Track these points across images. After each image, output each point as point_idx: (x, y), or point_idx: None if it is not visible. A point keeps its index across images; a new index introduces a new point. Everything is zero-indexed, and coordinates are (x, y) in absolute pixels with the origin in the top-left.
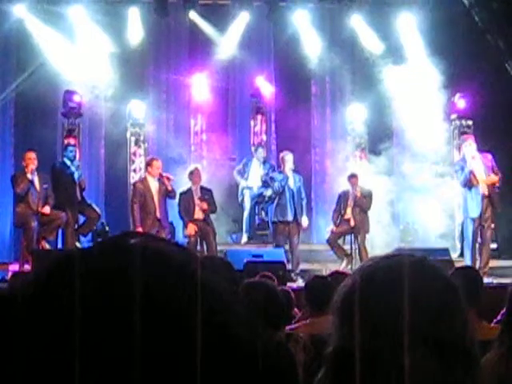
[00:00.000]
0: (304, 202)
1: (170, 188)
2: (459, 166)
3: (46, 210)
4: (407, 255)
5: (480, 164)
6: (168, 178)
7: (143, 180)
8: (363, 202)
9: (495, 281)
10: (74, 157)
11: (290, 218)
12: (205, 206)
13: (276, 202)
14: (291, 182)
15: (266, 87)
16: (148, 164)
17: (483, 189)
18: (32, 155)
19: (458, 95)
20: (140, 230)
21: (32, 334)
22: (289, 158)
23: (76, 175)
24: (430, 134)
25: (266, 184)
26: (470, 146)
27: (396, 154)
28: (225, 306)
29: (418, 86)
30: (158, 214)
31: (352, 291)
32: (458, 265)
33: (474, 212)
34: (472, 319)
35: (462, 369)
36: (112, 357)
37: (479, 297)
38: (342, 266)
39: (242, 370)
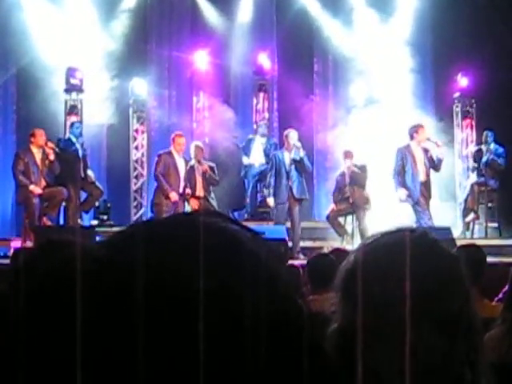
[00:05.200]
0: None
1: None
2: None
3: (37, 190)
4: (408, 230)
5: (422, 153)
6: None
7: (169, 153)
8: (358, 177)
9: (495, 259)
10: (80, 133)
11: (284, 198)
12: (205, 166)
13: (274, 181)
14: (287, 161)
15: (268, 64)
16: (172, 140)
17: (421, 175)
18: (42, 132)
19: (460, 74)
20: (174, 194)
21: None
22: (293, 135)
23: (80, 152)
24: (433, 113)
25: (268, 160)
26: (422, 133)
27: (397, 131)
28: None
29: (419, 65)
30: (180, 189)
31: (354, 269)
32: (459, 243)
33: (413, 196)
34: (474, 297)
35: (465, 341)
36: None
37: (482, 275)
38: (343, 244)
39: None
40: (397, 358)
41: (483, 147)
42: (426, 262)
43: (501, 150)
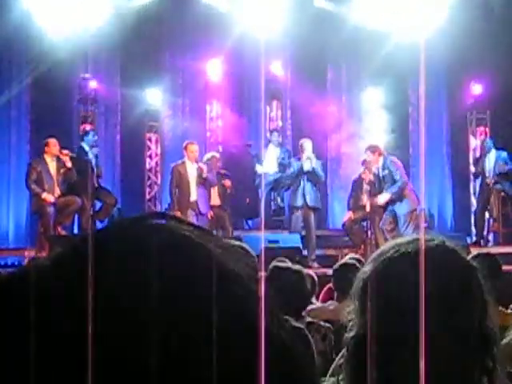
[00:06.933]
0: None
1: (204, 175)
2: None
3: (49, 198)
4: (425, 240)
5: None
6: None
7: (182, 164)
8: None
9: (509, 266)
10: (95, 142)
11: (300, 203)
12: (228, 182)
13: (291, 187)
14: (306, 169)
15: (281, 73)
16: (184, 148)
17: None
18: (55, 141)
19: (473, 82)
20: (177, 214)
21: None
22: (307, 145)
23: (93, 161)
24: (446, 120)
25: (282, 168)
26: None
27: (411, 140)
28: (251, 303)
29: (433, 72)
30: (193, 198)
31: (370, 279)
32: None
33: None
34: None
35: (482, 351)
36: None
37: (497, 283)
38: (358, 252)
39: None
40: (413, 369)
41: (484, 156)
42: (444, 272)
43: (504, 153)
